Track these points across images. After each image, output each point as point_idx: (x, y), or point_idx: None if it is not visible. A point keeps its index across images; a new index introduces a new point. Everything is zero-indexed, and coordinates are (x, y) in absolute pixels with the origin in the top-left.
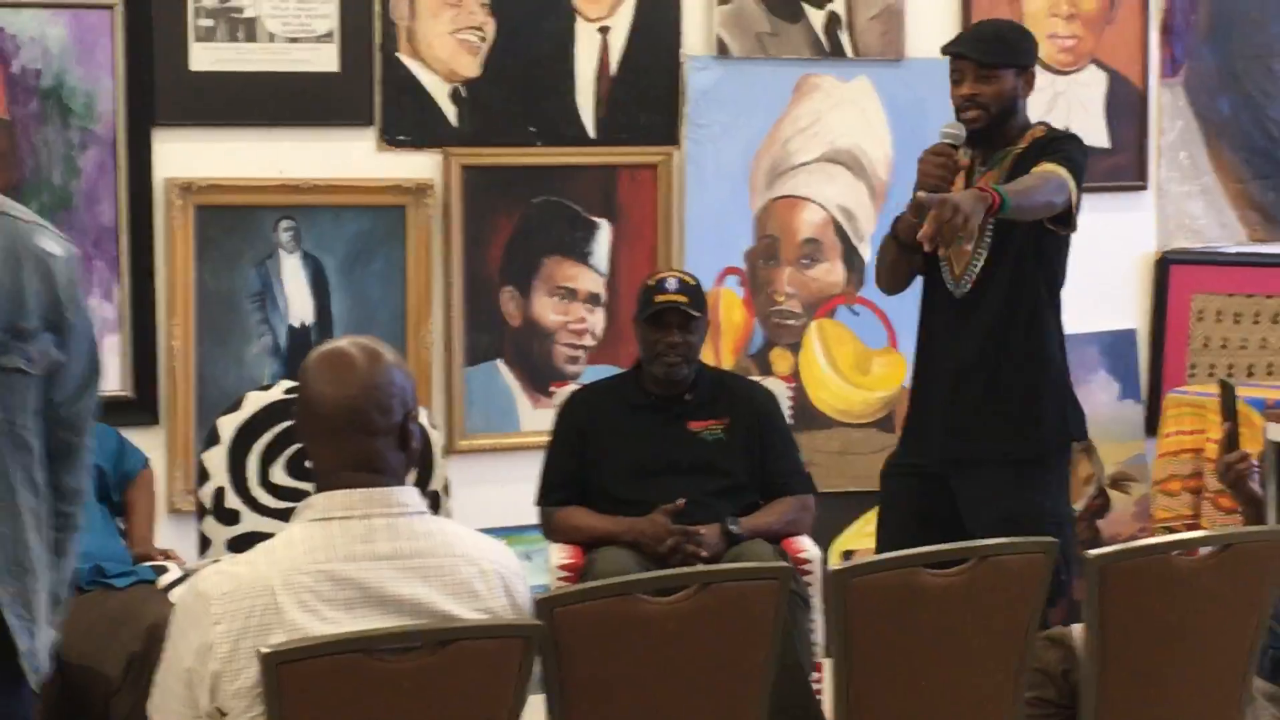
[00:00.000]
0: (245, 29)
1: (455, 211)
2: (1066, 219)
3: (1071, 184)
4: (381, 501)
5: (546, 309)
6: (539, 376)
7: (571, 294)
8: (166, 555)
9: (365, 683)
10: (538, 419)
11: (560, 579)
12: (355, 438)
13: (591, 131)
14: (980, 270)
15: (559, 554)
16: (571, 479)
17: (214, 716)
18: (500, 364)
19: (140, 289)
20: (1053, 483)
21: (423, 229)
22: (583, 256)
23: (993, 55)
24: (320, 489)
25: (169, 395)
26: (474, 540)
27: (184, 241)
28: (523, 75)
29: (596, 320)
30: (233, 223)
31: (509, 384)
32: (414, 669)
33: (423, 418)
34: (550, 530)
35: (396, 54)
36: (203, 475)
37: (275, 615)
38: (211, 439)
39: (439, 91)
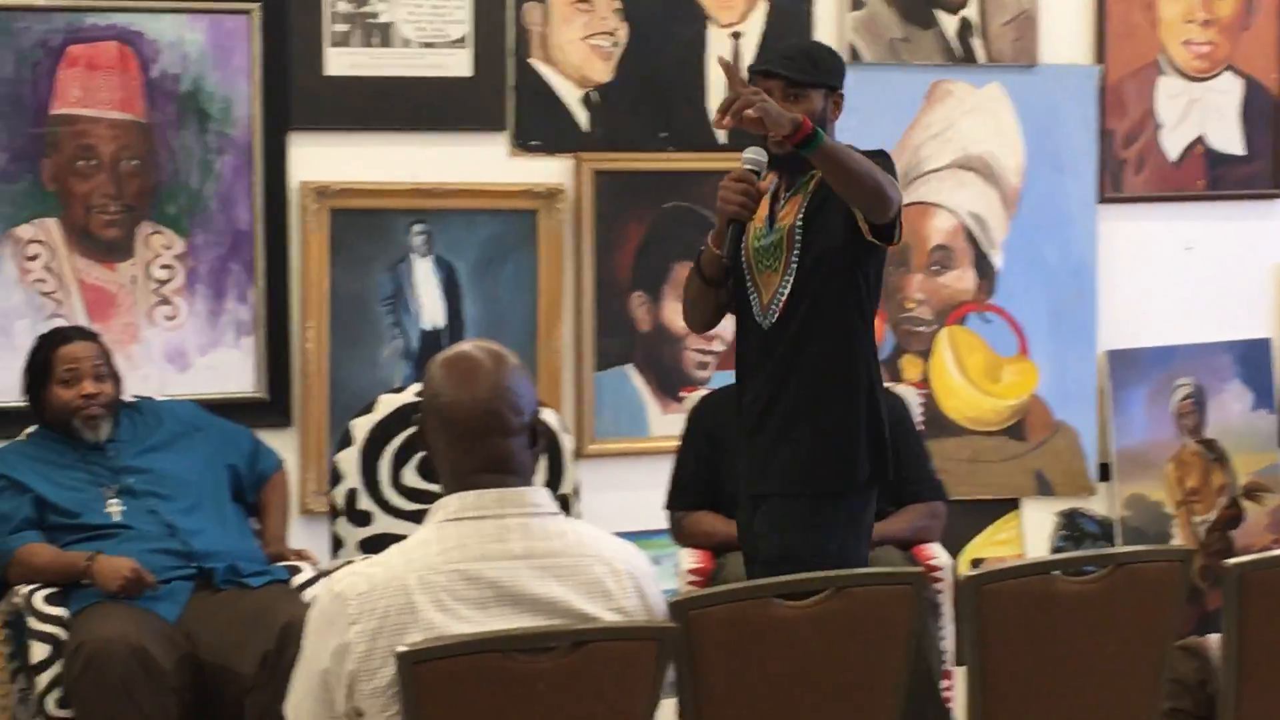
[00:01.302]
0: (380, 34)
1: (586, 216)
2: (890, 230)
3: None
4: (515, 501)
5: (676, 314)
6: (669, 381)
7: None
8: (300, 555)
9: (500, 682)
10: (667, 424)
11: (690, 583)
12: (491, 439)
13: (722, 137)
14: (785, 301)
15: (688, 559)
16: (701, 483)
17: (351, 716)
18: (630, 369)
19: (275, 292)
20: (843, 523)
21: (554, 234)
22: None
23: (801, 74)
24: (450, 491)
25: (303, 397)
26: (605, 540)
27: (318, 245)
28: (654, 80)
29: (726, 326)
30: (366, 226)
31: (639, 389)
32: (549, 669)
33: (552, 420)
34: (680, 535)
35: (529, 59)
36: (335, 477)
37: (411, 615)
38: (344, 441)
39: (571, 96)
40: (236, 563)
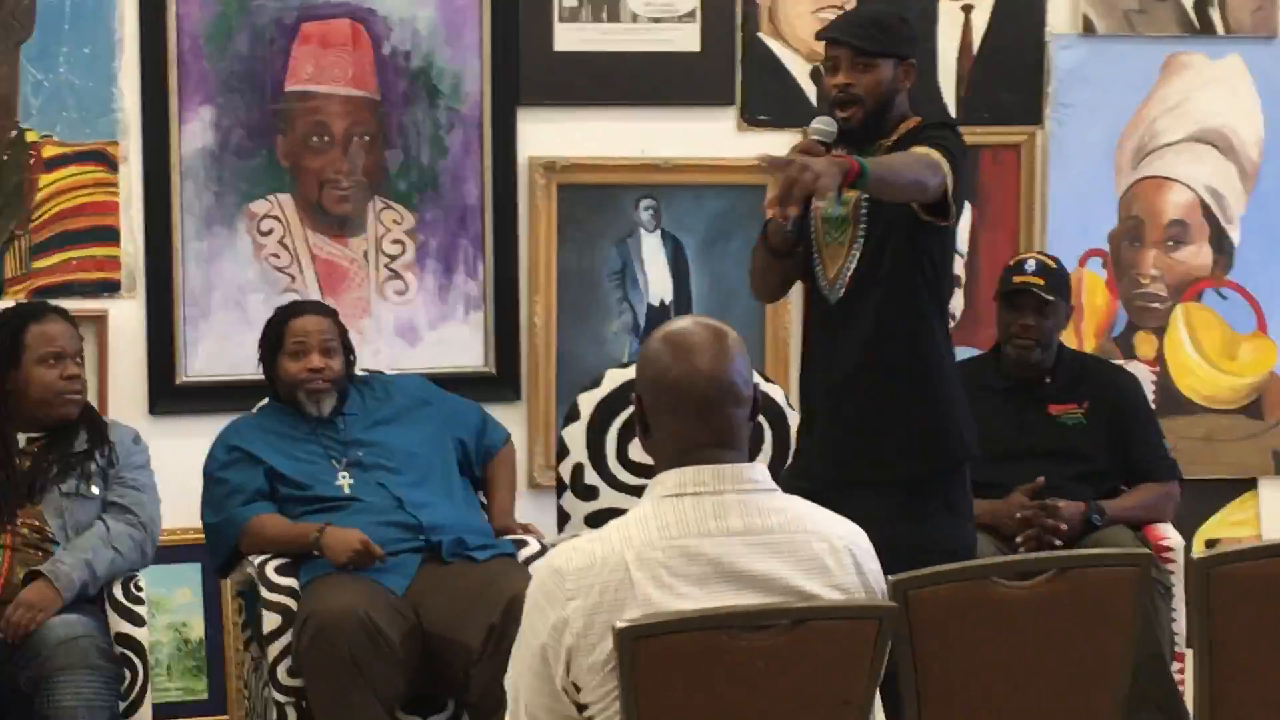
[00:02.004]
0: (609, 9)
1: None
2: (943, 208)
3: (946, 167)
4: (733, 478)
5: None
6: None
7: None
8: (526, 529)
9: (718, 659)
10: None
11: None
12: (725, 410)
13: (953, 111)
14: (853, 273)
15: None
16: None
17: (569, 691)
18: None
19: (503, 267)
20: (941, 509)
21: None
22: None
23: (869, 42)
24: (667, 467)
25: (530, 371)
26: (824, 517)
27: (547, 220)
28: None
29: (955, 303)
30: (594, 201)
31: None
32: (768, 647)
33: (779, 396)
34: None
35: (758, 34)
36: (562, 451)
37: (629, 590)
38: (571, 415)
39: (800, 71)
40: (463, 536)
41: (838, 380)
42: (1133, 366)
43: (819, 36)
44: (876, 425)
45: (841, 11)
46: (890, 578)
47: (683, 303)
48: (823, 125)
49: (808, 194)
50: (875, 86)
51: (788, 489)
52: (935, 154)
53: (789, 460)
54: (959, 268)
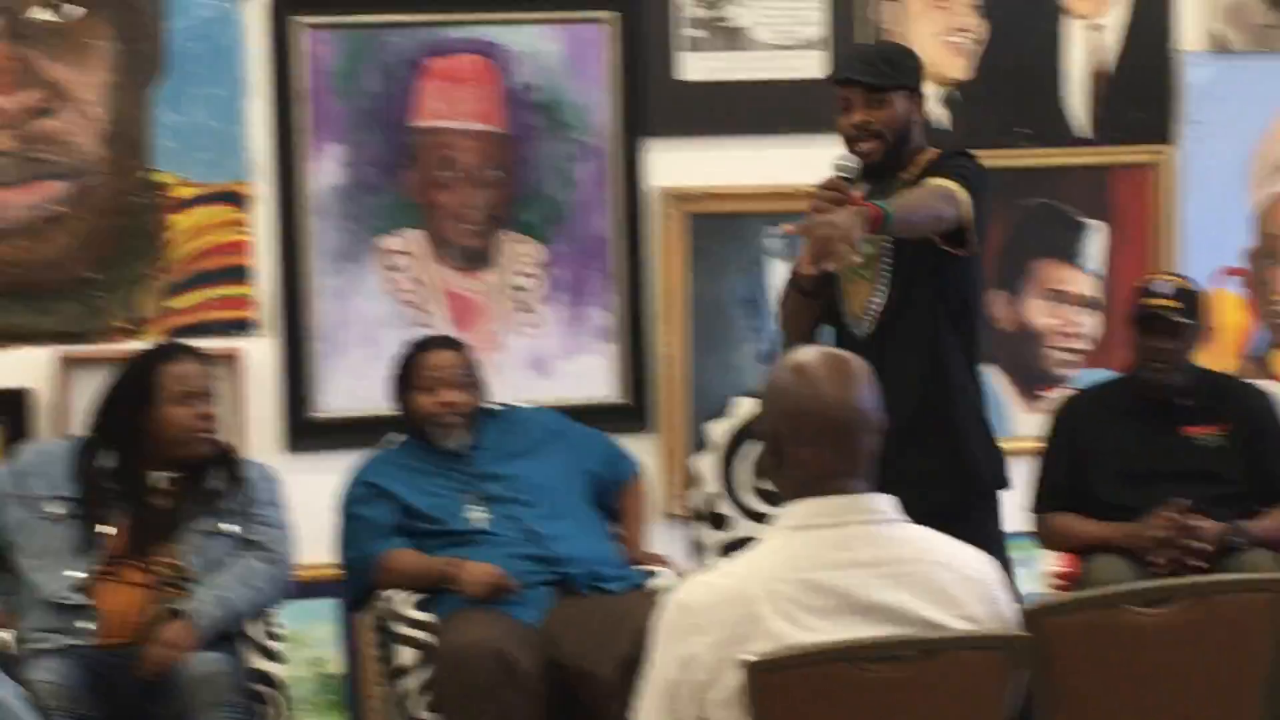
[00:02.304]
0: (734, 38)
1: None
2: (960, 237)
3: (962, 196)
4: (859, 509)
5: (1038, 312)
6: (1030, 381)
7: (1063, 297)
8: (659, 560)
9: (848, 692)
10: (1029, 424)
11: (1054, 587)
12: (860, 438)
13: (1083, 131)
14: (880, 308)
15: (1053, 561)
16: (1065, 485)
17: None
18: (991, 368)
19: (633, 297)
20: (977, 538)
21: None
22: (1075, 259)
23: (881, 79)
24: (797, 497)
25: (662, 402)
26: (950, 547)
27: (676, 249)
28: (1012, 76)
29: (1090, 323)
30: (723, 230)
31: (1000, 388)
32: (897, 679)
33: None
34: (1044, 537)
35: None
36: (694, 481)
37: (756, 625)
38: (703, 445)
39: (928, 95)
40: (596, 568)
41: None
42: (1265, 385)
43: (829, 80)
44: (907, 458)
45: (851, 50)
46: (1023, 607)
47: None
48: (846, 162)
49: (837, 252)
50: (892, 120)
51: None
52: (952, 185)
53: None
54: (1093, 289)
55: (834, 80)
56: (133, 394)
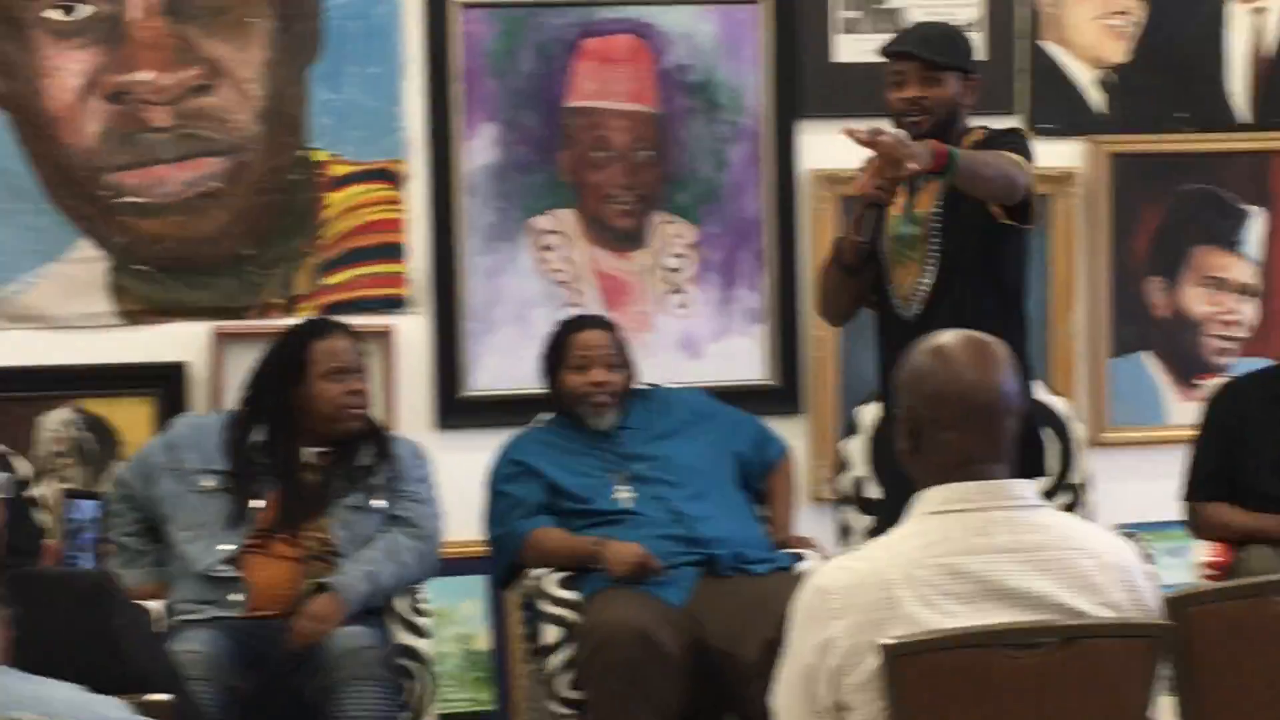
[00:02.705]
0: (889, 19)
1: (1101, 200)
2: (1025, 210)
3: (1028, 168)
4: (999, 494)
5: (1195, 299)
6: (1186, 368)
7: (1222, 284)
8: (806, 543)
9: (986, 678)
10: (1184, 412)
11: (1206, 576)
12: (1003, 421)
13: (1245, 116)
14: (930, 288)
15: (1206, 551)
16: (1220, 474)
17: (831, 711)
18: (1147, 355)
19: (784, 279)
20: None
21: (1067, 217)
22: (1234, 245)
23: (939, 56)
24: (936, 482)
25: (812, 385)
26: (1092, 533)
27: (827, 232)
28: (1172, 60)
29: (1248, 311)
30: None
31: (1155, 376)
32: (1036, 665)
33: (1063, 407)
34: (1197, 527)
35: (1040, 41)
36: (843, 464)
37: (894, 609)
38: (852, 428)
39: (1085, 78)
40: (742, 550)
41: None
42: None
43: (885, 52)
44: None
45: (908, 27)
46: (1167, 595)
47: None
48: (894, 131)
49: (899, 173)
50: (943, 99)
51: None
52: (1016, 156)
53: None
54: (1253, 277)
55: (890, 53)
56: (284, 370)
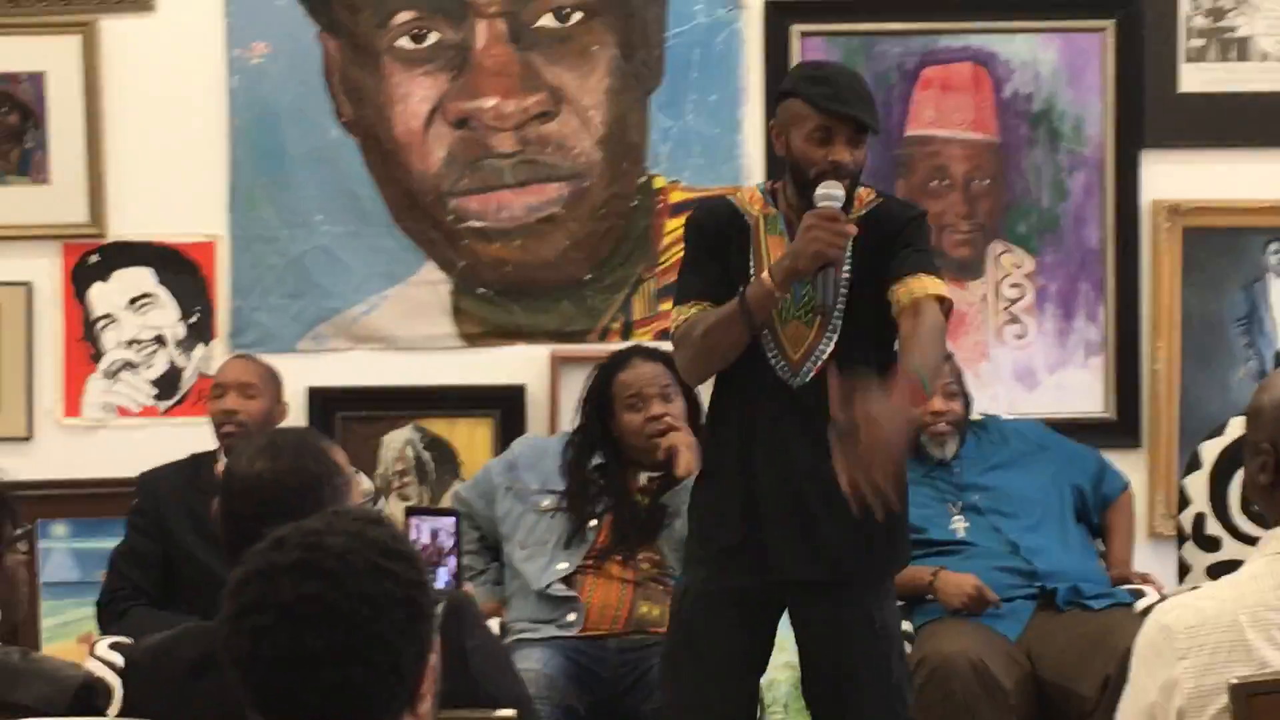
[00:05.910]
0: (1237, 48)
1: None
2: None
3: (946, 292)
4: None
5: None
6: None
7: None
8: (1144, 579)
9: None
10: None
11: None
12: None
13: None
14: (825, 356)
15: None
16: None
17: None
18: None
19: (1125, 311)
20: (887, 607)
21: None
22: None
23: (875, 122)
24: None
25: (1152, 418)
26: None
27: (1170, 264)
28: None
29: None
30: (1220, 245)
31: None
32: None
33: None
34: None
35: None
36: (1183, 500)
37: (1243, 651)
38: (1193, 464)
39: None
40: (1079, 584)
41: (800, 469)
42: None
43: (830, 111)
44: (847, 520)
45: (838, 80)
46: None
47: None
48: (832, 190)
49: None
50: (861, 164)
51: (708, 599)
52: (938, 287)
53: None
54: None
55: (841, 115)
56: (598, 400)
